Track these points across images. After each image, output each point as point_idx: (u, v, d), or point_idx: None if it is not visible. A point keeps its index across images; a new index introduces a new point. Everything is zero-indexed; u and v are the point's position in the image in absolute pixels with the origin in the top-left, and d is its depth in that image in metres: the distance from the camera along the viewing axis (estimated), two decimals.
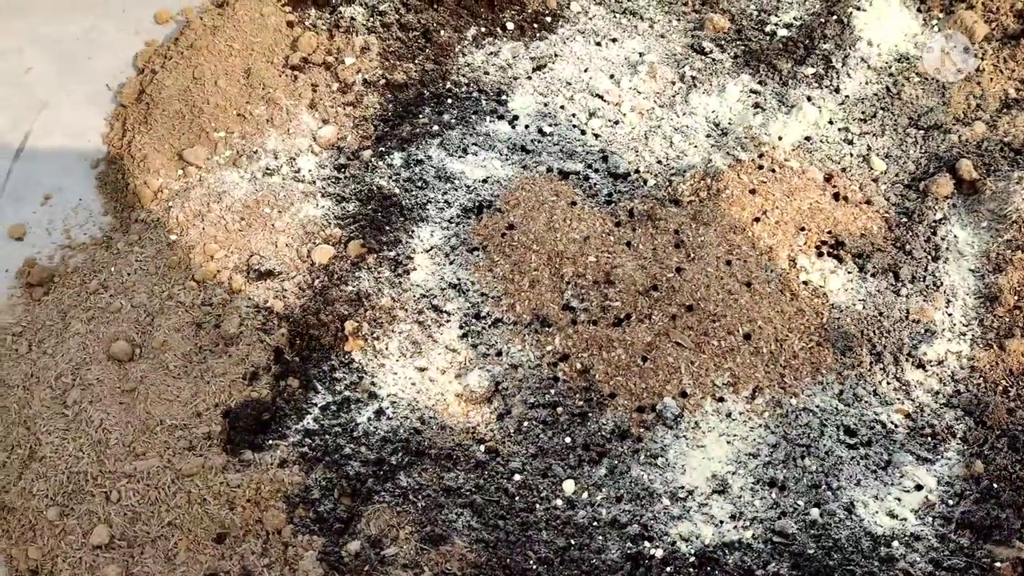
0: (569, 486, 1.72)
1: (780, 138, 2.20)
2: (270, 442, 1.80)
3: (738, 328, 1.88)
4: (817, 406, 1.83)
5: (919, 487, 1.73)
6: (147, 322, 1.98)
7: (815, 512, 1.67)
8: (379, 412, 1.83)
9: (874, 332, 1.92)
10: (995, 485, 1.77)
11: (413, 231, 2.10)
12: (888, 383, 1.87)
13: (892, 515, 1.75)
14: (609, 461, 1.75)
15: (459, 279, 2.01)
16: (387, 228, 2.11)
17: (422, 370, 1.90)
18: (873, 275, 2.01)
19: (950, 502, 1.76)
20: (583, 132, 2.24)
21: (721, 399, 1.82)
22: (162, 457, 1.76)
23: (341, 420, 1.83)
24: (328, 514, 1.69)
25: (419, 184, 2.17)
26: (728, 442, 1.78)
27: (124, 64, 2.46)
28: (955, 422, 1.83)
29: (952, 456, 1.79)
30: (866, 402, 1.85)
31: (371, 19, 2.49)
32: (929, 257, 2.03)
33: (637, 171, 2.17)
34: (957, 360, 1.91)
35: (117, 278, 2.04)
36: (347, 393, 1.86)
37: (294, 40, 2.44)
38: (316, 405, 1.85)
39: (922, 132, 2.24)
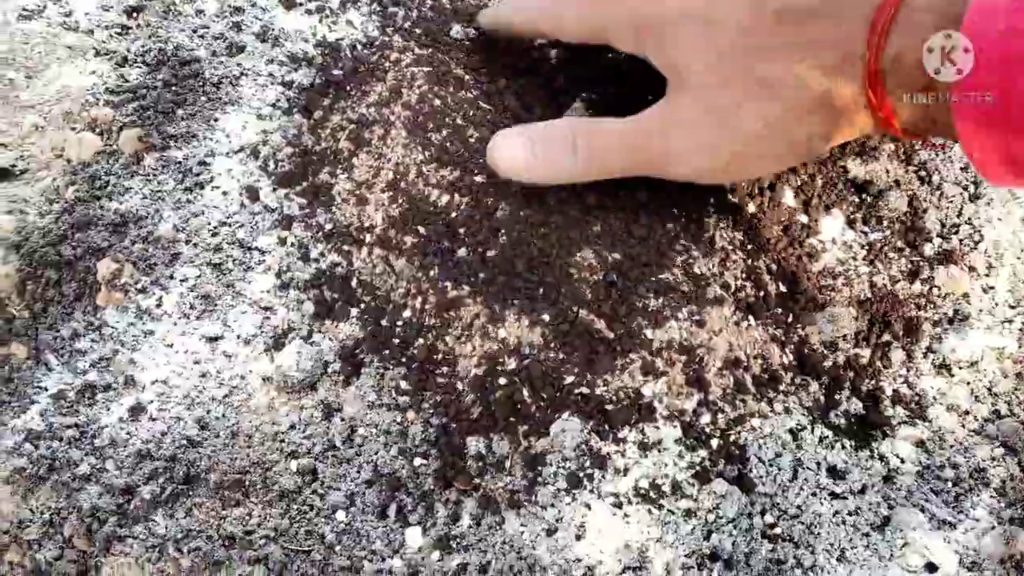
0: (414, 537, 1.16)
1: None
2: None
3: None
4: (790, 430, 1.18)
5: (931, 568, 1.05)
6: None
7: None
8: (137, 409, 1.16)
9: (877, 307, 1.25)
10: None
11: (216, 120, 1.39)
12: (894, 388, 1.21)
13: None
14: (475, 504, 1.14)
15: (280, 201, 1.32)
16: (179, 113, 1.39)
17: (213, 340, 1.23)
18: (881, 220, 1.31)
19: None
20: None
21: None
22: None
23: (80, 418, 1.15)
24: (49, 566, 1.12)
25: (232, 47, 1.47)
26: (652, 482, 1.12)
27: None
28: (990, 463, 1.15)
29: (983, 518, 1.10)
30: (860, 420, 1.20)
31: None
32: (965, 194, 1.35)
33: None
34: (999, 362, 1.22)
35: None
36: (92, 375, 1.19)
37: None
38: (46, 390, 1.18)
39: None
